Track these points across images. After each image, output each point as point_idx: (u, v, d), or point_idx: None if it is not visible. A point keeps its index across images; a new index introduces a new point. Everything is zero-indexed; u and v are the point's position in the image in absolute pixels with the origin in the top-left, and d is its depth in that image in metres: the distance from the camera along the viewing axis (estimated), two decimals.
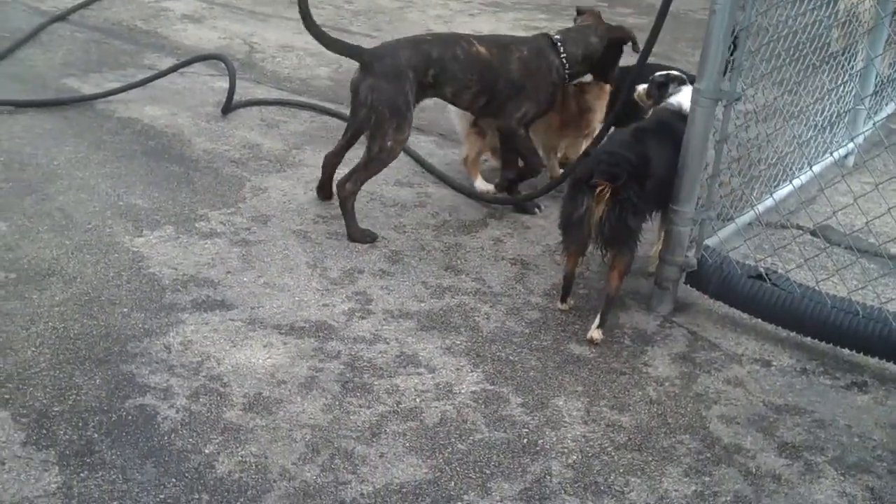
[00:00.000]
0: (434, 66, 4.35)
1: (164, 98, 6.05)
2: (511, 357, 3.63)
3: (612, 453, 3.15)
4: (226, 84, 5.99)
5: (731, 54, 3.65)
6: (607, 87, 4.95)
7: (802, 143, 4.66)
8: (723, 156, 3.85)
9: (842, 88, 5.14)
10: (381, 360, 3.56)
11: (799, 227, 4.65)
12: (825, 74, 4.88)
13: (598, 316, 3.77)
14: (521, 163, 4.82)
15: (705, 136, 3.76)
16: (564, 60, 4.60)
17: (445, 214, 4.74)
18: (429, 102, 4.75)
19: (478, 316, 3.89)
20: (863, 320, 3.57)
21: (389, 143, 4.29)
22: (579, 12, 4.96)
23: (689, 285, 4.00)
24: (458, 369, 3.53)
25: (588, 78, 4.88)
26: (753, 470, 3.11)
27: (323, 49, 4.36)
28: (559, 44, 4.61)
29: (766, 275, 3.81)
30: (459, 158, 5.15)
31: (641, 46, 4.40)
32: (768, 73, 4.12)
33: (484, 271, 4.25)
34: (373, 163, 4.36)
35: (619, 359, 3.67)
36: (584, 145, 4.79)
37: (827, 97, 4.97)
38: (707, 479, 3.06)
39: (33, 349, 3.45)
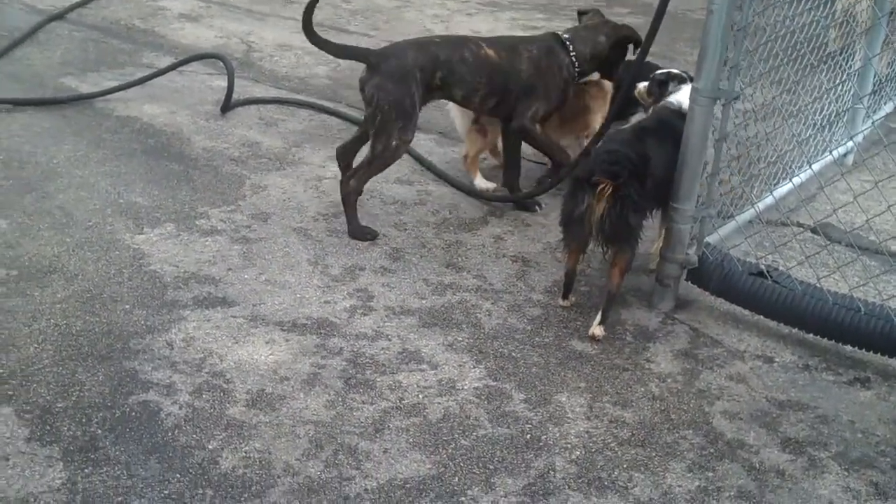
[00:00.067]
0: (442, 69, 4.35)
1: (163, 96, 6.04)
2: (513, 353, 3.63)
3: (616, 449, 3.15)
4: (224, 83, 5.99)
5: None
6: (607, 88, 4.96)
7: (802, 141, 4.68)
8: (722, 154, 3.86)
9: (840, 88, 5.15)
10: (384, 356, 3.56)
11: (799, 225, 4.66)
12: (823, 74, 4.89)
13: (600, 313, 3.78)
14: (514, 165, 4.84)
15: (704, 135, 3.76)
16: (574, 59, 4.61)
17: (446, 212, 4.74)
18: None
19: (479, 313, 3.89)
20: (864, 317, 3.58)
21: (394, 143, 4.29)
22: (581, 13, 4.97)
23: (690, 282, 4.00)
24: (460, 366, 3.54)
25: (595, 76, 4.89)
26: (757, 465, 3.11)
27: None
28: (568, 42, 4.63)
29: (768, 272, 3.82)
30: (460, 156, 5.15)
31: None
32: (766, 72, 4.14)
33: (485, 268, 4.25)
34: (377, 161, 4.36)
35: (621, 355, 3.67)
36: (584, 144, 4.80)
37: (825, 96, 4.98)
38: (710, 474, 3.06)
39: (36, 346, 3.45)
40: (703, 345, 3.77)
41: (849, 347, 3.69)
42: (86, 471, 2.88)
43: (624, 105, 4.55)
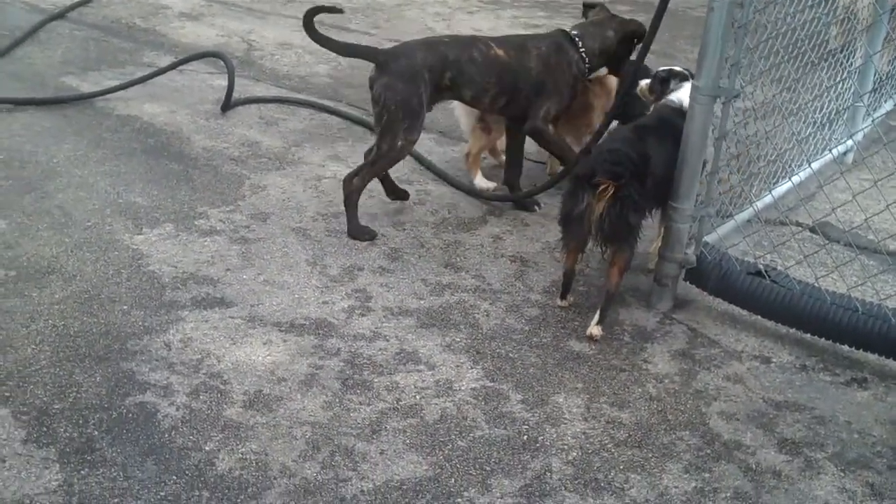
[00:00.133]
0: (451, 69, 4.34)
1: (163, 96, 6.05)
2: (511, 354, 3.63)
3: (613, 450, 3.15)
4: (224, 82, 5.99)
5: None
6: (610, 85, 4.95)
7: (801, 140, 4.67)
8: (722, 153, 3.85)
9: (840, 85, 5.14)
10: (381, 357, 3.56)
11: (798, 224, 4.65)
12: (824, 72, 4.88)
13: (598, 313, 3.77)
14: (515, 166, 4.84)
15: (704, 133, 3.76)
16: (583, 55, 4.62)
17: (445, 212, 4.74)
18: None
19: (477, 313, 3.89)
20: (862, 317, 3.58)
21: (400, 143, 4.29)
22: (587, 6, 4.97)
23: (688, 282, 4.00)
24: (457, 366, 3.54)
25: (603, 71, 4.89)
26: (753, 466, 3.11)
27: (321, 47, 4.36)
28: (577, 39, 4.63)
29: (766, 271, 3.81)
30: (462, 155, 5.15)
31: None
32: (767, 70, 4.13)
33: (483, 268, 4.25)
34: (382, 160, 4.36)
35: (618, 355, 3.67)
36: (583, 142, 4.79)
37: (826, 94, 4.97)
38: (707, 475, 3.06)
39: (33, 347, 3.45)
40: (701, 345, 3.77)
41: (846, 347, 3.69)
42: (82, 472, 2.88)
43: (624, 104, 4.53)
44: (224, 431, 3.11)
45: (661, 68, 4.36)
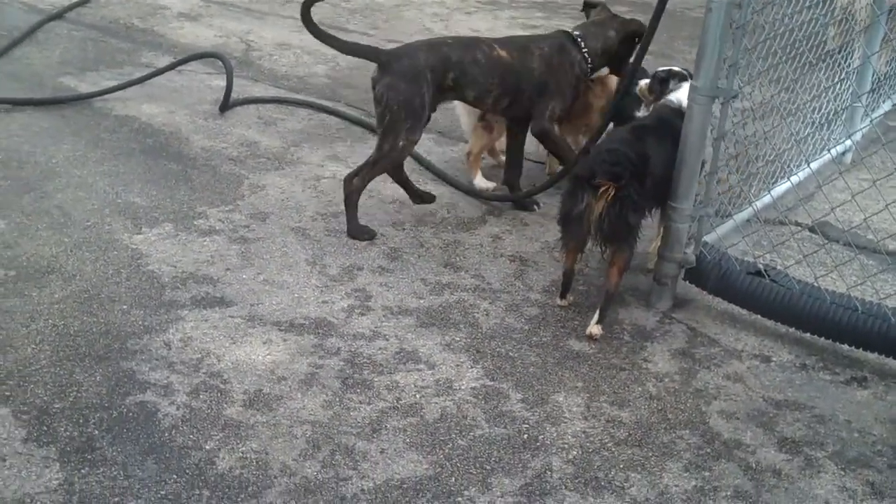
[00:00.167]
0: (454, 70, 4.34)
1: (162, 96, 6.05)
2: (511, 353, 3.63)
3: (613, 449, 3.15)
4: (223, 82, 5.99)
5: None
6: (611, 86, 4.96)
7: (800, 140, 4.67)
8: (720, 153, 3.86)
9: (839, 86, 5.15)
10: (381, 356, 3.56)
11: (797, 224, 4.66)
12: (822, 72, 4.89)
13: (598, 312, 3.78)
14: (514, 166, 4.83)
15: (703, 134, 3.76)
16: (586, 55, 4.63)
17: (444, 212, 4.74)
18: None
19: (477, 312, 3.90)
20: (862, 316, 3.58)
21: (401, 143, 4.29)
22: (589, 5, 4.98)
23: (688, 282, 4.01)
24: (457, 365, 3.54)
25: (604, 71, 4.90)
26: (753, 465, 3.11)
27: (320, 47, 4.37)
28: (579, 39, 4.64)
29: (765, 271, 3.82)
30: (463, 154, 5.15)
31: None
32: (765, 70, 4.13)
33: (483, 268, 4.25)
34: (383, 160, 4.36)
35: (618, 355, 3.67)
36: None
37: (824, 95, 4.98)
38: (707, 474, 3.06)
39: (33, 346, 3.45)
40: (701, 344, 3.77)
41: (846, 347, 3.69)
42: (82, 471, 2.88)
43: (622, 104, 4.54)
44: (224, 430, 3.11)
45: (661, 68, 4.36)
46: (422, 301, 3.95)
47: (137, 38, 7.30)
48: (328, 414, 3.22)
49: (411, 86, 4.23)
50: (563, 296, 3.98)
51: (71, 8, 7.84)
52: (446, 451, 3.09)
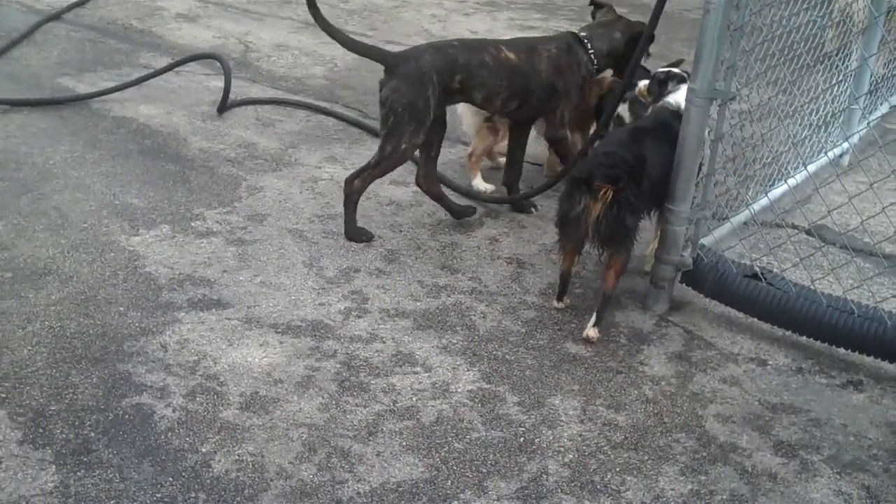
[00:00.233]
0: (461, 72, 4.34)
1: (160, 97, 6.05)
2: (507, 356, 3.63)
3: (609, 452, 3.15)
4: (221, 83, 5.99)
5: None
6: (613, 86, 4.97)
7: (797, 142, 4.68)
8: (718, 155, 3.86)
9: (836, 88, 5.16)
10: (378, 359, 3.56)
11: (794, 227, 4.66)
12: (819, 74, 4.90)
13: (595, 315, 3.78)
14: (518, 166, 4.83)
15: (700, 136, 3.76)
16: (592, 56, 4.64)
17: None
18: None
19: (474, 315, 3.90)
20: (858, 319, 3.58)
21: (404, 146, 4.29)
22: (597, 6, 4.99)
23: (684, 284, 4.01)
24: (454, 368, 3.54)
25: (608, 72, 4.91)
26: (749, 469, 3.11)
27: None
28: (586, 40, 4.66)
29: (762, 274, 3.82)
30: (466, 154, 5.15)
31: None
32: (763, 72, 4.13)
33: (480, 270, 4.25)
34: (384, 162, 4.36)
35: (615, 358, 3.67)
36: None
37: (821, 97, 4.98)
38: (703, 477, 3.06)
39: (30, 348, 3.45)
40: (697, 347, 3.77)
41: (842, 350, 3.69)
42: (78, 474, 2.88)
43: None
44: (220, 433, 3.10)
45: (660, 70, 4.37)
46: (418, 303, 3.95)
47: (135, 39, 7.30)
48: (324, 416, 3.22)
49: (416, 89, 4.22)
50: (559, 298, 3.98)
51: (69, 9, 7.85)
52: (442, 454, 3.09)
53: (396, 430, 3.18)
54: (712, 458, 3.15)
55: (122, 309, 3.74)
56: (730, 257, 3.96)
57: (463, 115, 5.09)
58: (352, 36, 4.51)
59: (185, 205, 4.64)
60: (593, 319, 3.77)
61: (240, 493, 2.86)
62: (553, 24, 8.32)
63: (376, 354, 3.58)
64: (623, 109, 4.68)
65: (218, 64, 6.25)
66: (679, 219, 3.86)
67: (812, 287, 3.77)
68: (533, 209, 4.84)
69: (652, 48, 4.73)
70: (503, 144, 5.02)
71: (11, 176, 4.80)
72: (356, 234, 4.42)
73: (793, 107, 4.75)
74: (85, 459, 2.94)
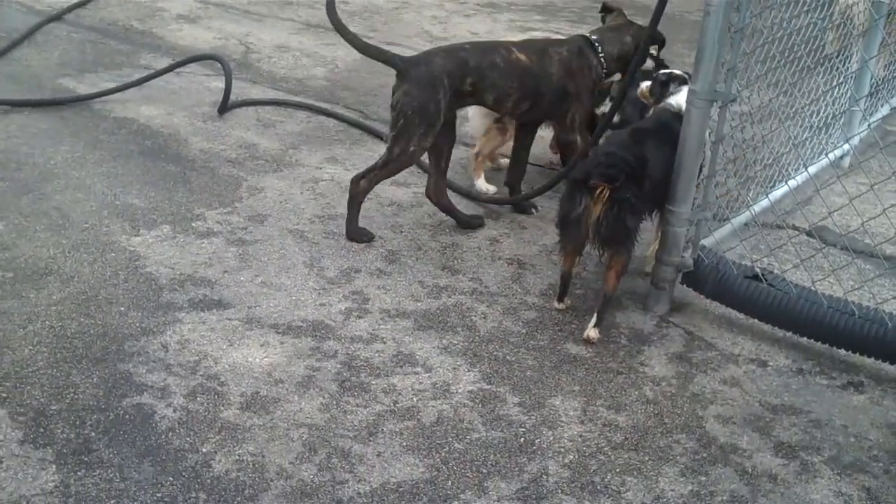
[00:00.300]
0: (472, 75, 4.33)
1: (161, 98, 6.05)
2: (508, 357, 3.63)
3: (609, 453, 3.15)
4: (222, 84, 6.00)
5: None
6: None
7: (798, 144, 4.68)
8: (718, 157, 3.86)
9: (837, 90, 5.16)
10: (378, 359, 3.56)
11: (795, 228, 4.66)
12: (820, 76, 4.90)
13: (595, 315, 3.78)
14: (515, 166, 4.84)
15: (701, 137, 3.77)
16: (602, 60, 4.66)
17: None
18: None
19: (474, 316, 3.90)
20: (859, 321, 3.58)
21: (412, 148, 4.29)
22: (606, 9, 5.00)
23: (685, 285, 4.01)
24: (454, 369, 3.54)
25: (616, 77, 4.92)
26: (750, 470, 3.11)
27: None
28: (597, 44, 4.67)
29: (763, 275, 3.82)
30: (471, 154, 5.15)
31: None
32: (763, 74, 4.14)
33: (480, 271, 4.25)
34: (392, 164, 4.35)
35: (615, 358, 3.67)
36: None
37: (822, 99, 4.98)
38: (703, 478, 3.06)
39: (30, 348, 3.45)
40: (698, 348, 3.77)
41: (842, 351, 3.69)
42: (79, 473, 2.88)
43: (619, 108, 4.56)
44: (221, 433, 3.10)
45: (661, 71, 4.37)
46: (419, 304, 3.95)
47: (136, 40, 7.30)
48: (325, 417, 3.22)
49: (427, 92, 4.22)
50: (560, 299, 3.98)
51: (70, 10, 7.85)
52: (443, 454, 3.09)
53: (397, 430, 3.18)
54: (712, 458, 3.15)
55: (122, 309, 3.74)
56: (730, 258, 3.96)
57: (471, 116, 5.10)
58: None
59: (185, 205, 4.64)
60: (594, 320, 3.77)
61: (240, 493, 2.86)
62: (553, 25, 8.33)
63: (377, 355, 3.58)
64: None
65: (219, 65, 6.25)
66: (680, 220, 3.86)
67: (813, 288, 3.77)
68: (533, 210, 4.85)
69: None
70: (504, 145, 5.03)
71: (12, 176, 4.80)
72: (357, 235, 4.42)
73: (793, 108, 4.75)
74: (85, 459, 2.94)
